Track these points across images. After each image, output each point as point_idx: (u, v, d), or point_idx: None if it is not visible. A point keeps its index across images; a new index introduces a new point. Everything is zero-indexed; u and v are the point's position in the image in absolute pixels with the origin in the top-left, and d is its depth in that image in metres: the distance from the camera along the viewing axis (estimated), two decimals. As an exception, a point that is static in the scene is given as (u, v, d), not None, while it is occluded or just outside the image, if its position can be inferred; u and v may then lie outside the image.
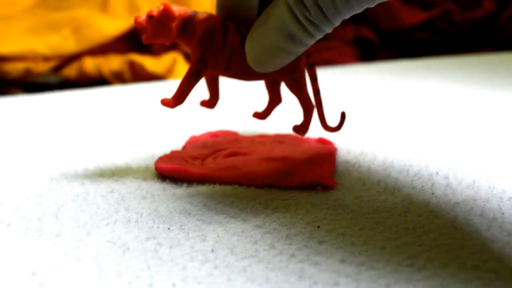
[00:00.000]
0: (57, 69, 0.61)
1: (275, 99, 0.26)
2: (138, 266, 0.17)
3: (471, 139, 0.31)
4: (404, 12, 0.74)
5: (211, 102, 0.26)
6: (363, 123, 0.34)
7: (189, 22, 0.23)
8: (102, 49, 0.62)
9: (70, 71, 0.60)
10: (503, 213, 0.21)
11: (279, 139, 0.29)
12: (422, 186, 0.23)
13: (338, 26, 0.21)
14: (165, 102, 0.23)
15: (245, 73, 0.24)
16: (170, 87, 0.47)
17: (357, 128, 0.33)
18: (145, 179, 0.25)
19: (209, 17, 0.23)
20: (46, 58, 0.60)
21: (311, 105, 0.25)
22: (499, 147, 0.29)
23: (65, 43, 0.60)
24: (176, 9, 0.23)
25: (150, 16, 0.22)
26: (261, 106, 0.27)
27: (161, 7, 0.22)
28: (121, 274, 0.17)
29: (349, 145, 0.29)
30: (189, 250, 0.18)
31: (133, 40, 0.64)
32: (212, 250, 0.18)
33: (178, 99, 0.23)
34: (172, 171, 0.24)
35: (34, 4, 0.65)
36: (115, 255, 0.18)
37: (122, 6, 0.64)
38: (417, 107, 0.39)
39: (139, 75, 0.59)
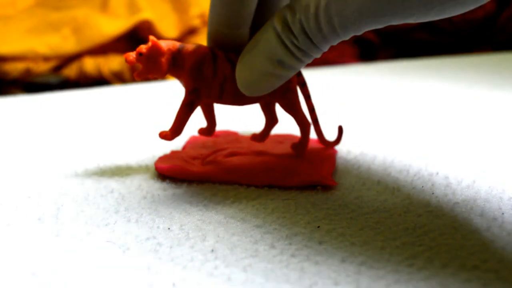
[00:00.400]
0: (57, 69, 0.61)
1: (271, 120, 0.26)
2: (138, 266, 0.17)
3: (471, 139, 0.31)
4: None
5: (209, 130, 0.26)
6: (363, 123, 0.34)
7: (178, 55, 0.23)
8: (102, 49, 0.62)
9: (70, 71, 0.60)
10: (503, 213, 0.21)
11: (279, 139, 0.29)
12: (422, 186, 0.23)
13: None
14: (163, 136, 0.23)
15: (239, 99, 0.24)
16: (169, 87, 0.47)
17: (357, 128, 0.33)
18: (145, 179, 0.25)
19: (198, 48, 0.23)
20: (46, 58, 0.60)
21: (307, 123, 0.25)
22: (499, 147, 0.29)
23: (65, 43, 0.60)
24: (164, 44, 0.23)
25: (139, 54, 0.23)
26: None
27: (150, 43, 0.23)
28: (121, 274, 0.17)
29: (349, 145, 0.29)
30: (189, 250, 0.18)
31: (133, 40, 0.64)
32: (212, 250, 0.18)
33: (175, 131, 0.23)
34: (172, 171, 0.24)
35: (34, 4, 0.65)
36: (115, 255, 0.18)
37: (122, 6, 0.64)
38: (417, 107, 0.39)
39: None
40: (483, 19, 0.74)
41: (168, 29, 0.64)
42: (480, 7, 0.74)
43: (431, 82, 0.49)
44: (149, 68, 0.23)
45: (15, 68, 0.58)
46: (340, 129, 0.26)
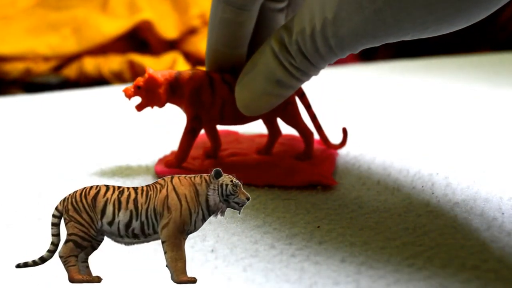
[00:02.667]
0: (57, 69, 0.61)
1: (274, 133, 0.26)
2: (138, 266, 0.17)
3: (471, 139, 0.31)
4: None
5: (214, 151, 0.26)
6: (363, 123, 0.34)
7: (175, 84, 0.23)
8: (102, 49, 0.62)
9: (70, 71, 0.60)
10: (503, 213, 0.21)
11: (279, 139, 0.29)
12: (422, 186, 0.23)
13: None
14: (169, 164, 0.24)
15: (240, 119, 0.24)
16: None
17: (357, 128, 0.33)
18: (145, 179, 0.25)
19: (194, 74, 0.23)
20: (46, 58, 0.60)
21: (309, 132, 0.25)
22: (499, 147, 0.29)
23: (65, 43, 0.60)
24: (161, 74, 0.23)
25: (137, 87, 0.23)
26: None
27: (146, 76, 0.23)
28: (121, 274, 0.17)
29: (349, 145, 0.29)
30: (189, 250, 0.18)
31: (133, 40, 0.64)
32: (212, 250, 0.18)
33: (180, 158, 0.24)
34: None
35: (34, 4, 0.65)
36: (116, 255, 0.18)
37: (122, 6, 0.64)
38: (417, 107, 0.39)
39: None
40: (483, 19, 0.74)
41: (168, 29, 0.64)
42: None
43: (431, 82, 0.49)
44: (149, 100, 0.23)
45: (15, 68, 0.58)
46: (345, 131, 0.26)
